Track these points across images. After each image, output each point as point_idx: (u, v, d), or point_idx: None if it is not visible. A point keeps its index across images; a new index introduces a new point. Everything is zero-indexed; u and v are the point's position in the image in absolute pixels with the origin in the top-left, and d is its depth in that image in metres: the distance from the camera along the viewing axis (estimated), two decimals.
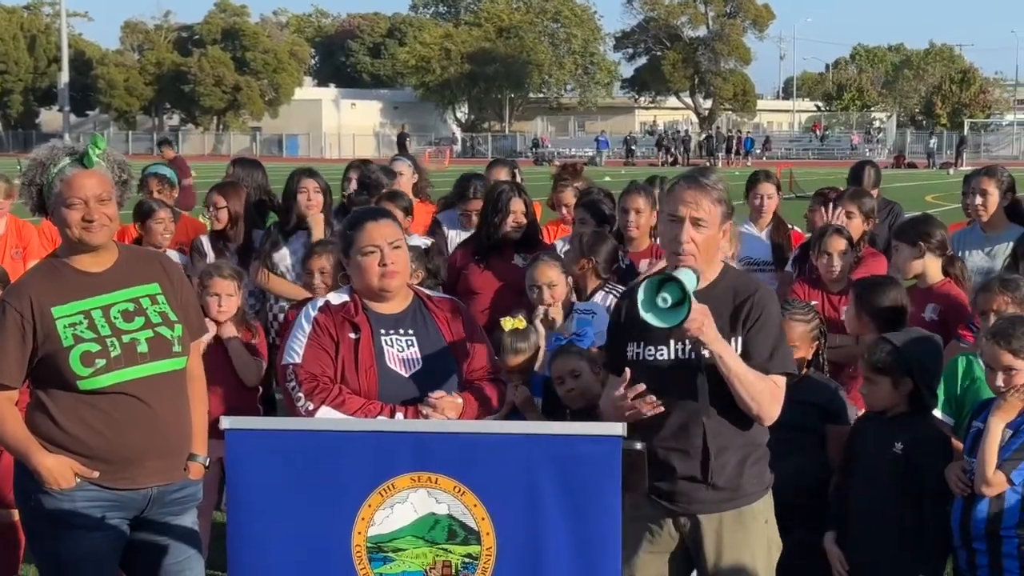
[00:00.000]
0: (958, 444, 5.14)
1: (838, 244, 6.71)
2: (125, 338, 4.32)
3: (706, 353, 4.14)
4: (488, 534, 3.68)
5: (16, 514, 6.29)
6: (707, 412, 4.23)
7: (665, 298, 3.98)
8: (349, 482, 3.71)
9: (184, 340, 4.47)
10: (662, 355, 4.28)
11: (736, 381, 4.14)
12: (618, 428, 3.70)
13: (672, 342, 4.23)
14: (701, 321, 4.04)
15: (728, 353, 4.14)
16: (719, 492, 4.30)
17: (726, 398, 4.19)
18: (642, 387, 4.17)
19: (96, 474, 4.32)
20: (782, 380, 4.28)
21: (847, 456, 5.18)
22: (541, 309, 6.08)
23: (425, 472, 3.69)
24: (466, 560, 3.70)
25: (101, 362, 4.26)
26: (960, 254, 6.87)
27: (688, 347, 4.20)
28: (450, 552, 3.70)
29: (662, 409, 4.19)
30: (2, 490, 6.20)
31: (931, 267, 6.36)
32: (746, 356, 4.21)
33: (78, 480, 4.31)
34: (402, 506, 3.70)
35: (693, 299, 4.03)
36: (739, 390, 4.15)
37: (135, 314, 4.38)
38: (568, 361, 5.48)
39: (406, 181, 8.77)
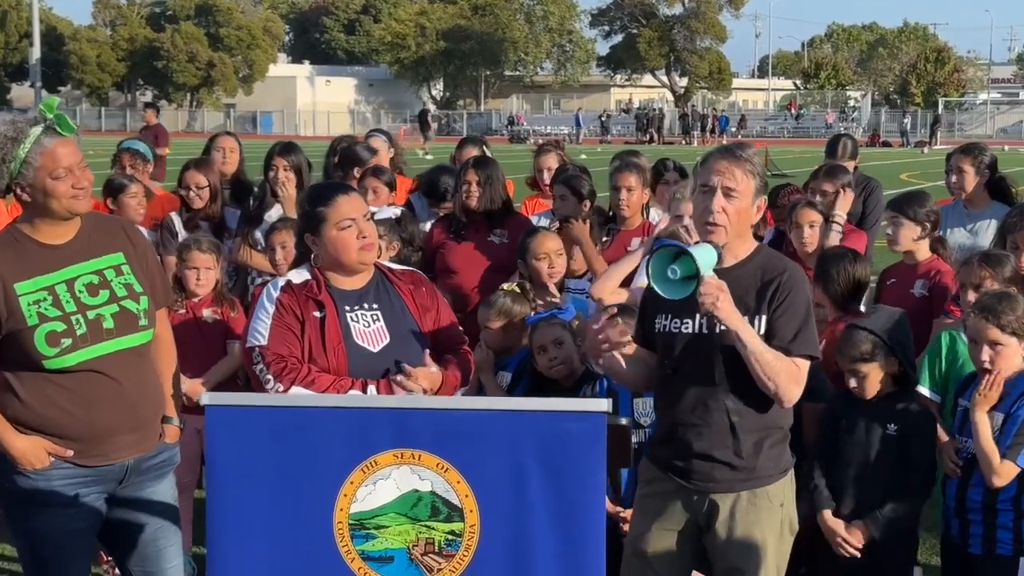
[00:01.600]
0: (942, 434, 5.13)
1: (809, 216, 6.69)
2: (90, 314, 4.22)
3: (723, 329, 4.10)
4: (472, 511, 3.65)
5: None
6: (726, 389, 4.19)
7: (675, 270, 3.94)
8: (330, 458, 3.67)
9: (150, 312, 4.39)
10: (687, 328, 4.23)
11: (753, 359, 4.07)
12: (603, 404, 3.67)
13: (697, 316, 4.16)
14: (716, 295, 3.97)
15: (745, 329, 4.07)
16: (734, 472, 4.25)
17: (746, 378, 4.13)
18: (614, 310, 4.18)
19: (70, 453, 4.25)
20: (804, 363, 4.19)
21: (828, 440, 5.12)
22: (552, 286, 6.03)
23: (408, 449, 3.66)
24: (449, 537, 3.67)
25: (67, 341, 4.17)
26: (943, 231, 6.87)
27: (712, 322, 4.14)
28: (433, 529, 3.67)
29: (629, 337, 4.16)
30: None
31: (923, 244, 6.36)
32: (769, 337, 4.15)
33: (52, 460, 4.25)
34: (385, 483, 3.66)
35: (710, 274, 3.98)
36: (756, 368, 4.08)
37: (100, 287, 4.27)
38: (551, 330, 5.42)
39: (383, 156, 8.71)
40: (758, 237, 7.71)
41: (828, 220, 6.77)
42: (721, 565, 4.35)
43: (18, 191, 4.20)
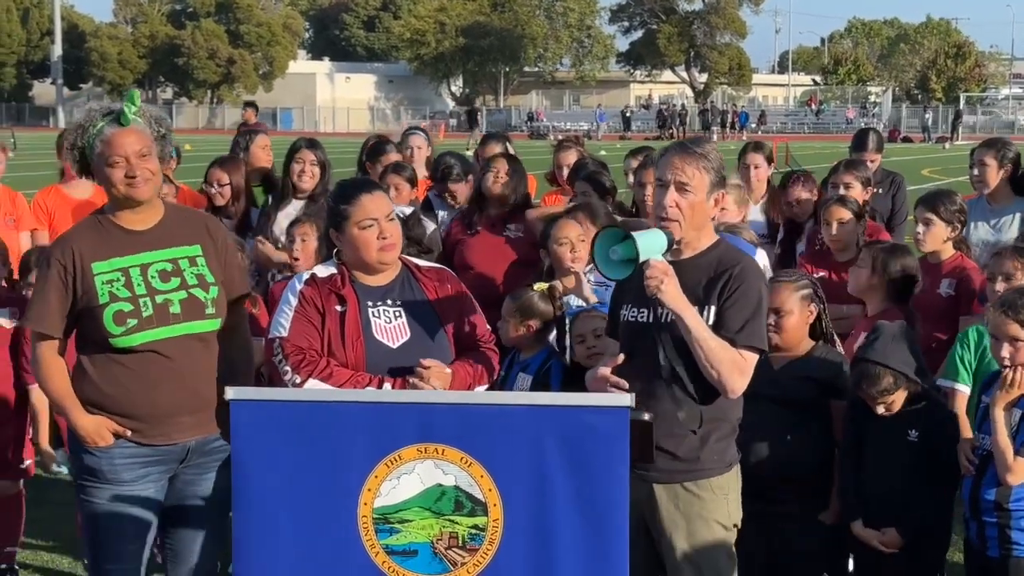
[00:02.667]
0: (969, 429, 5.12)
1: (839, 213, 6.67)
2: (159, 298, 4.40)
3: (671, 319, 4.17)
4: (495, 505, 3.66)
5: (16, 486, 6.30)
6: (674, 380, 4.24)
7: (616, 250, 4.04)
8: (354, 453, 3.69)
9: (218, 302, 4.53)
10: (643, 317, 4.31)
11: (697, 344, 4.14)
12: (626, 399, 3.68)
13: (652, 305, 4.23)
14: (660, 279, 4.06)
15: (690, 315, 4.14)
16: (678, 462, 4.29)
17: (695, 369, 4.19)
18: (623, 370, 4.23)
19: (130, 432, 4.42)
20: (750, 355, 4.24)
21: (851, 447, 5.11)
22: (573, 271, 6.05)
23: (432, 443, 3.67)
24: (473, 531, 3.68)
25: (133, 322, 4.35)
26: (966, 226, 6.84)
27: (663, 311, 4.20)
28: (457, 523, 3.68)
29: (626, 385, 4.22)
30: (6, 462, 6.20)
31: (948, 243, 6.33)
32: (718, 326, 4.21)
33: (115, 439, 4.43)
34: (408, 477, 3.68)
35: (657, 258, 4.07)
36: (700, 354, 4.15)
37: (172, 275, 4.45)
38: (592, 321, 5.40)
39: (422, 155, 8.71)
40: (772, 231, 7.79)
41: (860, 218, 6.73)
42: (668, 556, 4.37)
43: (94, 175, 4.48)
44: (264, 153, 8.17)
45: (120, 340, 4.36)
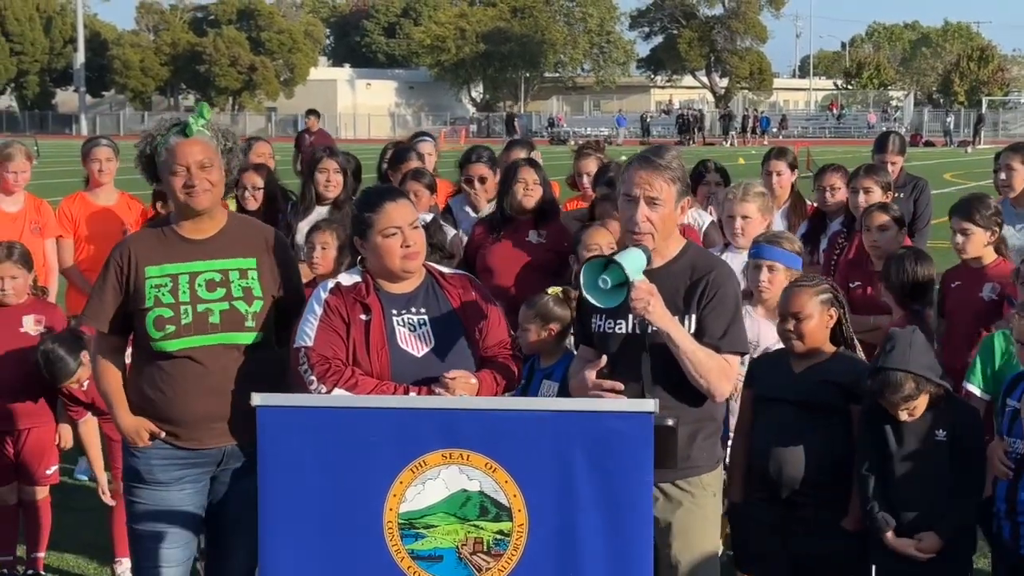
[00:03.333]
0: None
1: (880, 218, 6.60)
2: (200, 307, 4.48)
3: (655, 329, 4.22)
4: (520, 511, 3.68)
5: (43, 492, 6.35)
6: (650, 388, 4.28)
7: (605, 279, 4.09)
8: (379, 459, 3.72)
9: (260, 316, 4.56)
10: (620, 328, 4.36)
11: (684, 358, 4.21)
12: (649, 404, 3.70)
13: (630, 316, 4.29)
14: (647, 300, 4.12)
15: (676, 330, 4.22)
16: None
17: (678, 373, 4.26)
18: (605, 377, 4.28)
19: (163, 433, 4.52)
20: (734, 359, 4.36)
21: (875, 454, 5.08)
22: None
23: (457, 449, 3.69)
24: (498, 536, 3.70)
25: (171, 328, 4.45)
26: None
27: (644, 322, 4.26)
28: (482, 528, 3.70)
29: (621, 387, 4.26)
30: (28, 469, 6.24)
31: (989, 247, 6.29)
32: (700, 334, 4.29)
33: (152, 441, 4.53)
34: (434, 482, 3.70)
35: (639, 279, 4.12)
36: (688, 367, 4.23)
37: (219, 285, 4.52)
38: None
39: (431, 161, 8.77)
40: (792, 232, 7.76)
41: (902, 224, 6.69)
42: (662, 550, 4.40)
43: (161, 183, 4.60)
44: (268, 162, 8.29)
45: (159, 344, 4.47)
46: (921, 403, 4.94)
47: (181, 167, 4.47)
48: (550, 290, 5.75)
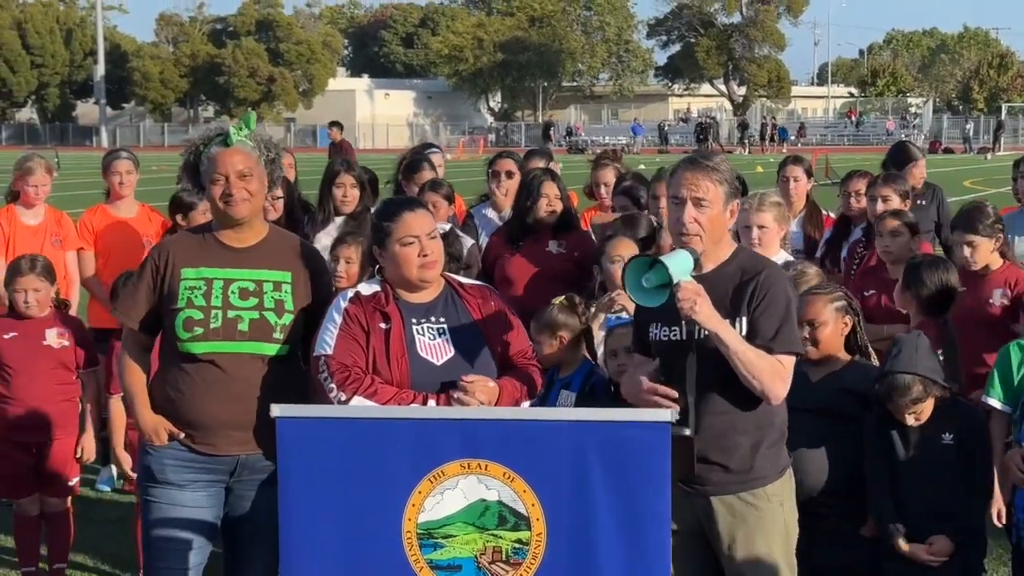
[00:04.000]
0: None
1: (891, 224, 6.60)
2: (231, 313, 4.52)
3: (705, 334, 4.18)
4: (538, 520, 3.70)
5: (65, 503, 6.39)
6: (716, 394, 4.25)
7: (648, 278, 4.07)
8: (398, 469, 3.74)
9: (288, 330, 4.58)
10: (675, 335, 4.32)
11: (735, 358, 4.15)
12: (666, 414, 3.71)
13: (683, 323, 4.25)
14: (693, 300, 4.07)
15: (725, 330, 4.16)
16: (731, 474, 4.30)
17: (735, 381, 4.20)
18: (663, 387, 4.24)
19: (182, 434, 4.55)
20: (788, 359, 4.26)
21: (882, 461, 5.09)
22: (613, 296, 6.06)
23: (475, 459, 3.71)
24: (516, 546, 3.72)
25: (199, 330, 4.49)
26: (1009, 239, 6.79)
27: (696, 327, 4.22)
28: (500, 538, 3.72)
29: (675, 395, 4.22)
30: (50, 480, 6.28)
31: (995, 253, 6.29)
32: (752, 336, 4.23)
33: (169, 440, 4.56)
34: (452, 492, 3.72)
35: (687, 279, 4.09)
36: (739, 368, 4.16)
37: (252, 294, 4.56)
38: (625, 337, 5.42)
39: (440, 172, 8.79)
40: (810, 246, 7.78)
41: (915, 232, 6.70)
42: (729, 567, 4.38)
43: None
44: (288, 172, 8.30)
45: (186, 345, 4.51)
46: (927, 406, 4.96)
47: (220, 176, 4.53)
48: (555, 300, 5.76)
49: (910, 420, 4.97)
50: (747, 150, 64.20)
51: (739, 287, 4.28)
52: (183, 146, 4.76)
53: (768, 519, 4.35)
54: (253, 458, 4.56)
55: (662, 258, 4.11)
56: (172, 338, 4.55)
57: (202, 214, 7.49)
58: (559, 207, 6.97)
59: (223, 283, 4.56)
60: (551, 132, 59.76)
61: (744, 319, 4.25)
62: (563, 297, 5.78)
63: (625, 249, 6.16)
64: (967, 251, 6.24)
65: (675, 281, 4.05)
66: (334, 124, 23.47)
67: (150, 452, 4.60)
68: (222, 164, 4.53)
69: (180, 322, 4.51)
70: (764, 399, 4.24)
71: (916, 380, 4.90)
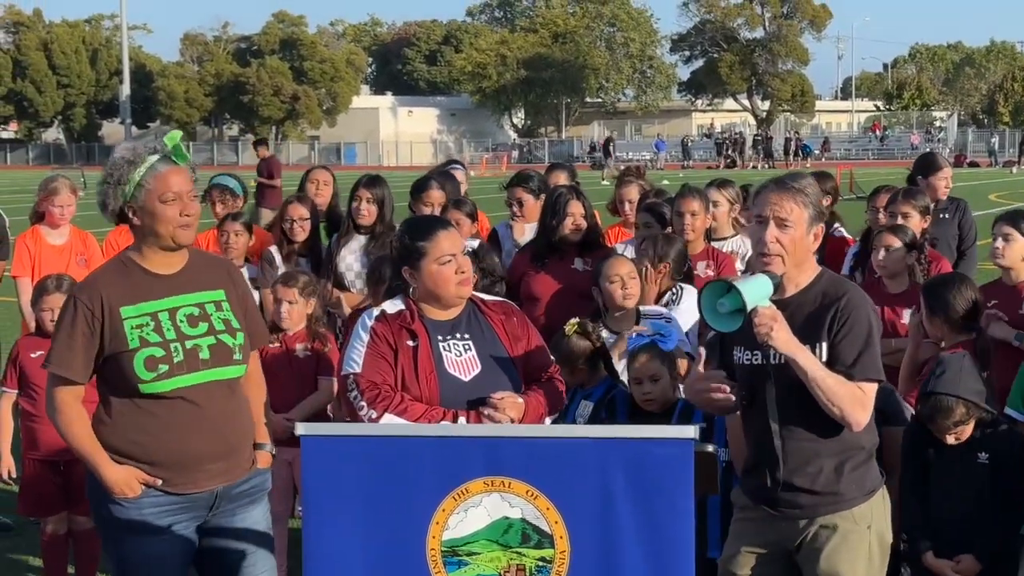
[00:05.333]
0: None
1: (888, 239, 6.63)
2: (188, 343, 4.32)
3: (782, 359, 4.14)
4: (562, 537, 3.70)
5: (92, 521, 6.42)
6: (775, 418, 4.21)
7: (723, 303, 4.03)
8: (422, 486, 3.74)
9: (245, 348, 4.49)
10: (756, 359, 4.28)
11: (814, 384, 4.10)
12: (690, 431, 3.71)
13: (764, 348, 4.20)
14: (770, 326, 4.04)
15: (803, 356, 4.11)
16: (818, 497, 4.26)
17: (813, 403, 4.15)
18: (720, 374, 4.24)
19: (159, 481, 4.34)
20: (869, 386, 4.20)
21: (915, 474, 5.07)
22: (618, 303, 6.07)
23: (498, 476, 3.71)
24: (540, 564, 3.71)
25: (164, 367, 4.27)
26: None
27: (768, 351, 4.18)
28: (524, 556, 3.72)
29: (730, 395, 4.21)
30: (78, 498, 6.31)
31: None
32: (832, 361, 4.17)
33: (143, 488, 4.34)
34: (476, 510, 3.72)
35: (765, 304, 4.06)
36: (819, 394, 4.12)
37: (200, 319, 4.38)
38: (650, 365, 5.42)
39: (462, 189, 8.84)
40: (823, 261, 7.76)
41: (911, 248, 6.70)
42: None
43: (130, 214, 4.33)
44: (326, 189, 8.38)
45: (150, 386, 4.27)
46: (969, 428, 4.95)
47: (174, 195, 4.26)
48: (567, 327, 5.75)
49: (950, 440, 4.96)
50: (770, 164, 63.99)
51: (820, 312, 4.22)
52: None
53: (854, 542, 4.28)
54: (228, 488, 4.47)
55: (738, 283, 4.06)
56: (127, 382, 4.27)
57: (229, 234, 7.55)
58: (584, 225, 6.98)
59: (168, 314, 4.32)
60: (610, 148, 59.74)
61: (824, 344, 4.20)
62: (574, 324, 5.77)
63: (622, 268, 6.18)
64: (1000, 243, 6.20)
65: (750, 307, 4.02)
66: (259, 143, 23.73)
67: (124, 504, 4.32)
68: (175, 183, 4.26)
69: (140, 363, 4.25)
70: (844, 425, 4.19)
71: (960, 403, 4.89)
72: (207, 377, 4.35)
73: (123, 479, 4.31)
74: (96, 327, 4.27)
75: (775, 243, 4.19)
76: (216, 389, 4.38)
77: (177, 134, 4.46)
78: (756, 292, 4.06)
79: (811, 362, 4.12)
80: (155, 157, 4.32)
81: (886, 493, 4.42)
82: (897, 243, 6.61)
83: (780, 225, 4.20)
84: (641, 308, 6.28)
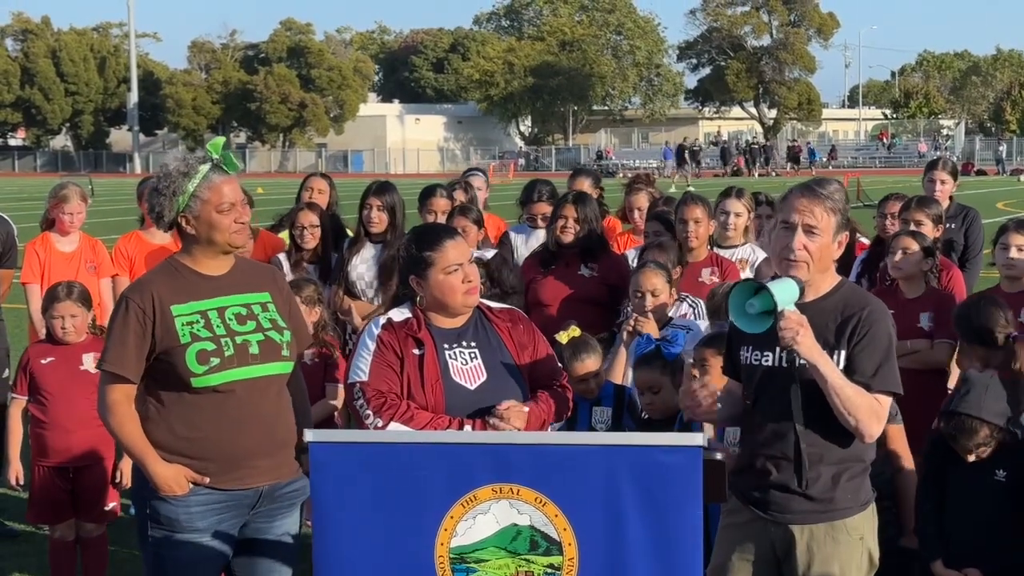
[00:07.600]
0: None
1: (905, 242, 6.61)
2: (238, 339, 4.43)
3: (803, 363, 4.14)
4: (570, 544, 3.70)
5: (100, 528, 6.43)
6: (800, 421, 4.19)
7: (752, 304, 4.02)
8: (431, 493, 3.75)
9: (292, 347, 4.59)
10: (767, 360, 4.28)
11: (833, 393, 4.10)
12: (698, 439, 3.71)
13: (777, 349, 4.20)
14: (796, 330, 4.03)
15: (825, 364, 4.10)
16: (812, 503, 4.25)
17: (825, 410, 4.15)
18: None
19: (207, 479, 4.41)
20: (886, 399, 4.20)
21: (933, 482, 5.07)
22: (631, 321, 6.09)
23: (507, 483, 3.72)
24: (548, 571, 3.72)
25: (215, 360, 4.38)
26: None
27: (791, 356, 4.18)
28: (532, 563, 3.72)
29: (716, 400, 4.22)
30: (86, 505, 6.33)
31: None
32: (850, 372, 4.17)
33: (191, 486, 4.41)
34: (484, 517, 3.73)
35: (791, 308, 4.05)
36: (836, 402, 4.11)
37: (247, 318, 4.49)
38: (650, 375, 5.45)
39: (482, 196, 8.86)
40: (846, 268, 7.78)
41: (929, 254, 6.69)
42: None
43: (183, 223, 4.47)
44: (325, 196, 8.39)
45: (201, 380, 4.37)
46: (990, 448, 4.95)
47: (229, 204, 4.43)
48: (560, 338, 5.72)
49: (971, 458, 4.96)
50: (772, 172, 63.94)
51: (840, 321, 4.22)
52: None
53: (846, 553, 4.28)
54: (273, 487, 4.53)
55: (769, 284, 4.06)
56: (179, 377, 4.38)
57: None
58: (576, 229, 6.96)
59: (217, 312, 4.45)
60: (685, 155, 59.82)
61: (843, 353, 4.19)
62: (568, 331, 5.74)
63: (657, 280, 6.20)
64: (1013, 252, 6.18)
65: (780, 309, 4.02)
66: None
67: (171, 502, 4.40)
68: (229, 192, 4.45)
69: (192, 356, 4.36)
70: (858, 436, 4.19)
71: (984, 425, 4.89)
72: (257, 372, 4.45)
73: (172, 477, 4.38)
74: (148, 325, 4.38)
75: (802, 250, 4.18)
76: (265, 385, 4.48)
77: (220, 140, 4.61)
78: (785, 295, 4.06)
79: (832, 370, 4.12)
80: (207, 167, 4.46)
81: (875, 509, 4.41)
82: (915, 246, 6.58)
83: (808, 232, 4.18)
84: (674, 319, 6.28)
